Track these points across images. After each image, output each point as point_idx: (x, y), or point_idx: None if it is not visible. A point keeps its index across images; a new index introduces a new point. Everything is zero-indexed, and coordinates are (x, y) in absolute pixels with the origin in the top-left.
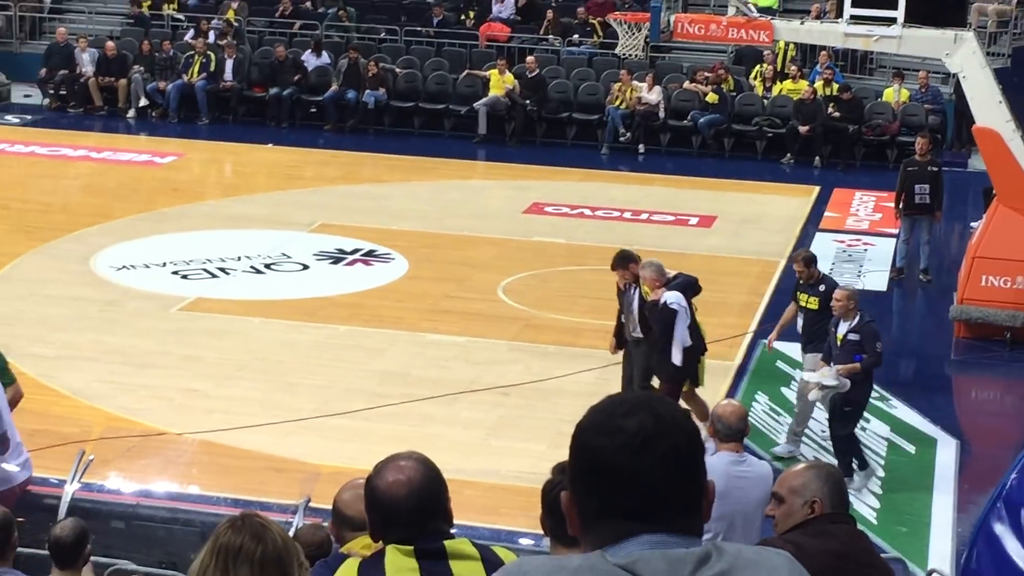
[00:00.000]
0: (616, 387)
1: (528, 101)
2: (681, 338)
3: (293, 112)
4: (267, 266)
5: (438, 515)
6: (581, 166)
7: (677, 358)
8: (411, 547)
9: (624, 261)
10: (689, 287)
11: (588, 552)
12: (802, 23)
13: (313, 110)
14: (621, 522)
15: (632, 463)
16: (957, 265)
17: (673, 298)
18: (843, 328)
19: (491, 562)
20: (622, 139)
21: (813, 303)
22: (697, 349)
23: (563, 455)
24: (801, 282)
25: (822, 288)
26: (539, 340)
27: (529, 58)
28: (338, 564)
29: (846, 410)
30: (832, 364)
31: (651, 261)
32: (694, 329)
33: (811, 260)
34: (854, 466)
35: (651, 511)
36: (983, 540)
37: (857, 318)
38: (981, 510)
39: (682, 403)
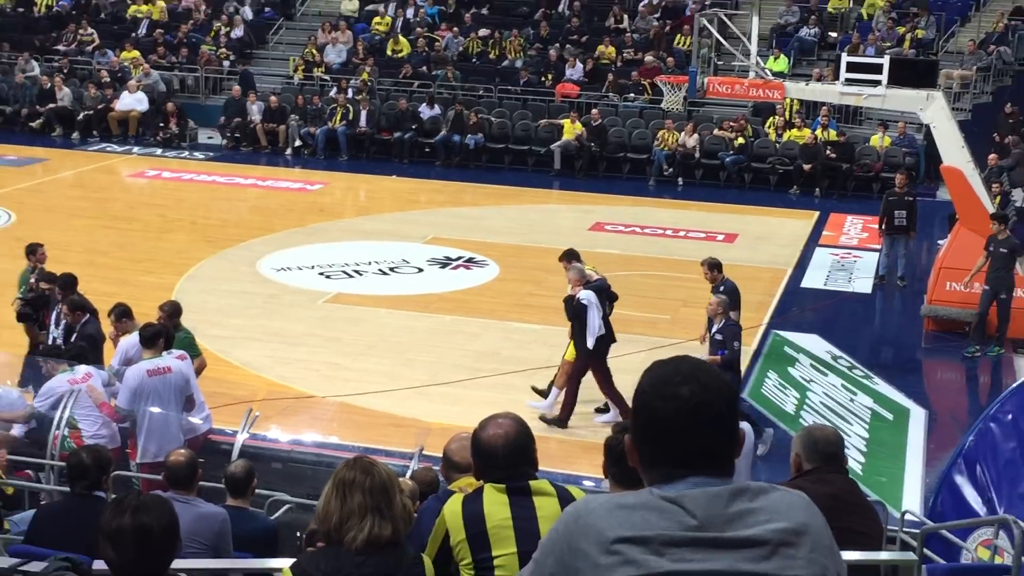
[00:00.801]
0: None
1: (592, 144)
2: (593, 327)
3: (412, 151)
4: (391, 269)
5: (527, 461)
6: (633, 194)
7: (589, 342)
8: (504, 485)
9: (568, 257)
10: (602, 290)
11: (643, 488)
12: (807, 84)
13: (427, 150)
14: (671, 467)
15: (683, 423)
16: (927, 274)
17: (585, 295)
18: (714, 328)
19: (564, 498)
20: (665, 174)
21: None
22: (608, 338)
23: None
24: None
25: (722, 289)
26: None
27: (594, 111)
28: (447, 498)
29: None
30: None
31: (576, 265)
32: (607, 323)
33: (715, 265)
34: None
35: (695, 459)
36: (946, 488)
37: (723, 321)
38: (944, 465)
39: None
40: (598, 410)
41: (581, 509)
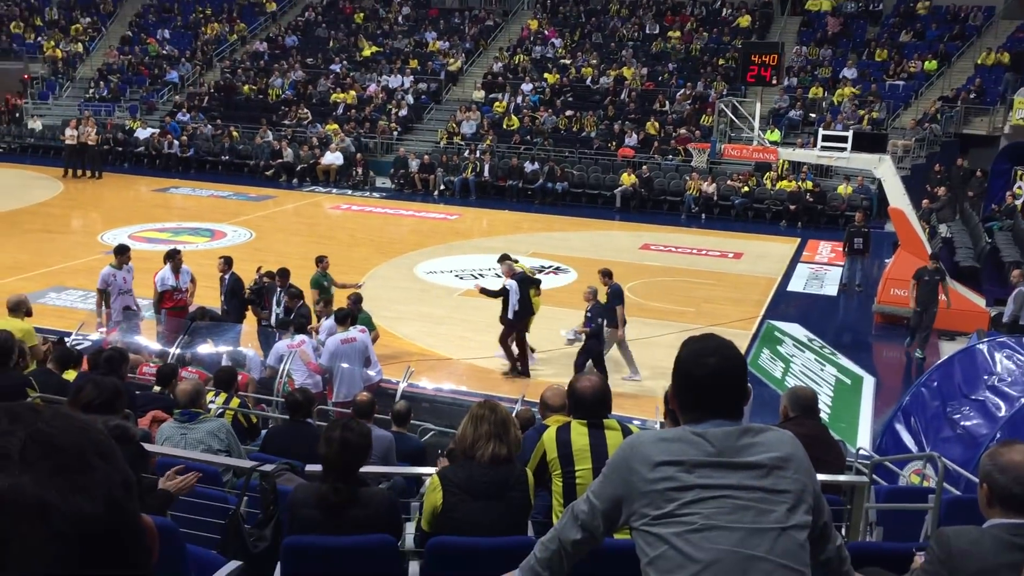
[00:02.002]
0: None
1: (643, 189)
2: (513, 306)
3: (519, 194)
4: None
5: (604, 406)
6: (670, 224)
7: (510, 315)
8: (585, 421)
9: (503, 259)
10: (524, 281)
11: (679, 427)
12: (793, 150)
13: (529, 192)
14: (699, 412)
15: (710, 383)
16: (877, 282)
17: (509, 283)
18: (587, 307)
19: (626, 431)
20: (692, 211)
21: (604, 298)
22: (523, 314)
23: (659, 381)
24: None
25: (607, 290)
26: (646, 316)
27: (644, 167)
28: (542, 430)
29: (582, 355)
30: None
31: (505, 260)
32: (524, 303)
33: (606, 273)
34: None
35: (717, 407)
36: (889, 433)
37: (593, 303)
38: (887, 416)
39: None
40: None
41: (635, 440)
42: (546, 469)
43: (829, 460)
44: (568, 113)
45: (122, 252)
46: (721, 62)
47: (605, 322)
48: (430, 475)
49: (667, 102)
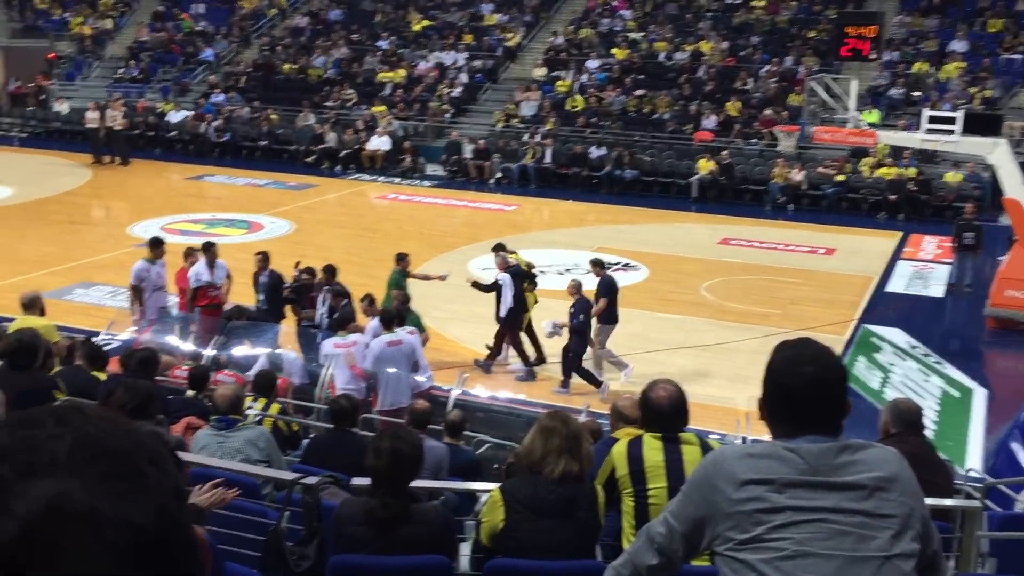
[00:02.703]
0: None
1: (722, 177)
2: (506, 302)
3: (584, 182)
4: (567, 270)
5: (681, 418)
6: (752, 217)
7: (503, 312)
8: (659, 434)
9: (497, 249)
10: (518, 275)
11: (769, 441)
12: (894, 133)
13: (595, 181)
14: (792, 426)
15: (804, 395)
16: (989, 282)
17: (502, 277)
18: (571, 302)
19: (705, 447)
20: (778, 201)
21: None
22: (518, 310)
23: (739, 391)
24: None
25: (598, 280)
26: (725, 319)
27: (723, 152)
28: (611, 442)
29: (568, 353)
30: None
31: (501, 254)
32: (518, 299)
33: (597, 263)
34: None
35: (812, 421)
36: (1003, 452)
37: (577, 298)
38: (1002, 434)
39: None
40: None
41: (719, 456)
42: (615, 487)
43: (936, 482)
44: (639, 93)
45: (157, 245)
46: (812, 35)
47: (594, 320)
48: (486, 491)
49: (750, 80)
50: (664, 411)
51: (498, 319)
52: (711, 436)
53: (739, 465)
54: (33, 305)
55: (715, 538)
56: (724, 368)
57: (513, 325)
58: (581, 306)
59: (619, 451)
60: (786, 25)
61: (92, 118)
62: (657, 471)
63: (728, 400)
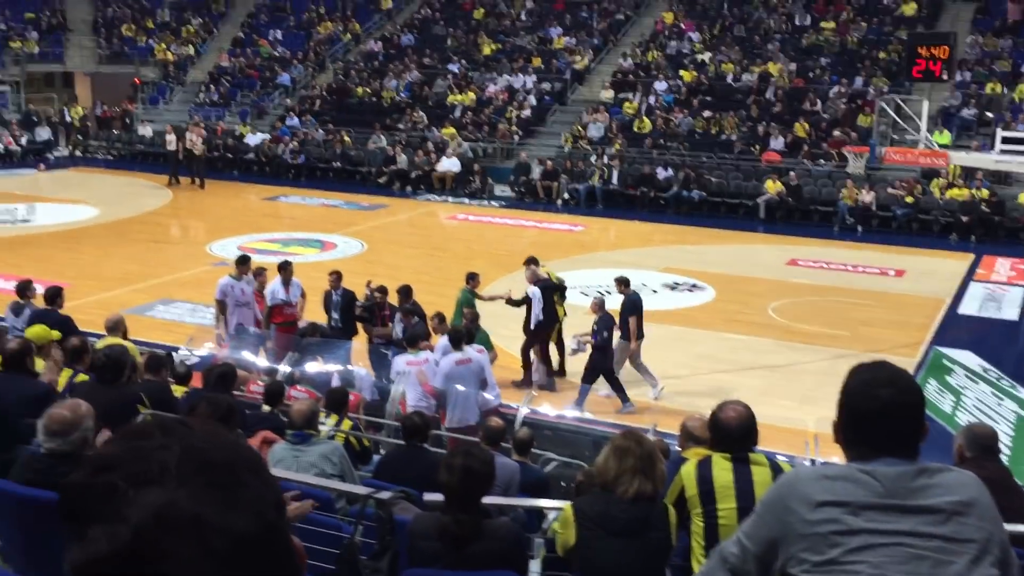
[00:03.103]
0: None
1: (790, 198)
2: (535, 315)
3: (650, 203)
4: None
5: (751, 439)
6: (821, 238)
7: (532, 325)
8: (729, 455)
9: (528, 262)
10: (548, 288)
11: (844, 463)
12: (967, 154)
13: (662, 202)
14: (868, 448)
15: (880, 418)
16: None
17: (531, 290)
18: (593, 319)
19: (775, 468)
20: (847, 222)
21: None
22: (548, 323)
23: (807, 412)
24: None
25: (623, 298)
26: (793, 340)
27: (791, 173)
28: (681, 463)
29: (589, 371)
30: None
31: (532, 268)
32: (548, 312)
33: (622, 281)
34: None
35: (888, 444)
36: None
37: (601, 314)
38: None
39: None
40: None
41: (793, 477)
42: (684, 506)
43: (1014, 508)
44: (706, 114)
45: (243, 263)
46: (882, 55)
47: (617, 336)
48: (554, 508)
49: (819, 101)
50: (733, 431)
51: (526, 331)
52: (779, 458)
53: (814, 486)
54: (116, 328)
55: (789, 559)
56: (792, 389)
57: (541, 336)
58: (605, 323)
59: (688, 471)
60: (856, 46)
61: (169, 140)
62: (727, 491)
63: (796, 422)
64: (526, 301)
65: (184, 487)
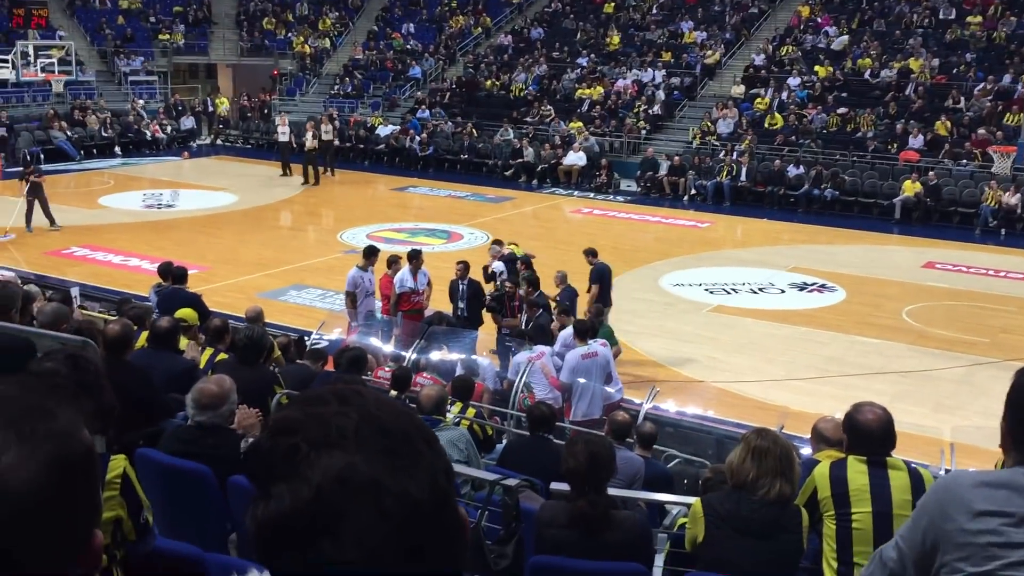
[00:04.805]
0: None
1: (928, 199)
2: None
3: (780, 201)
4: (760, 289)
5: (889, 442)
6: (961, 240)
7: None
8: (865, 458)
9: (493, 243)
10: (512, 262)
11: (1011, 466)
12: None
13: (792, 200)
14: None
15: None
16: None
17: (496, 265)
18: (557, 293)
19: (914, 474)
20: (990, 225)
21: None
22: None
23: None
24: None
25: (592, 268)
26: (927, 345)
27: (931, 172)
28: (813, 465)
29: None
30: None
31: (495, 244)
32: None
33: (590, 252)
34: None
35: None
36: None
37: (563, 288)
38: None
39: None
40: None
41: (951, 482)
42: (815, 508)
43: None
44: (841, 110)
45: (371, 254)
46: None
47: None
48: (677, 504)
49: (962, 98)
50: (874, 434)
51: (488, 308)
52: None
53: (973, 494)
54: (256, 320)
55: (943, 566)
56: (926, 396)
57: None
58: (567, 295)
59: (821, 472)
60: (1004, 41)
61: (282, 132)
62: (862, 495)
63: (930, 430)
64: (492, 277)
65: (362, 452)
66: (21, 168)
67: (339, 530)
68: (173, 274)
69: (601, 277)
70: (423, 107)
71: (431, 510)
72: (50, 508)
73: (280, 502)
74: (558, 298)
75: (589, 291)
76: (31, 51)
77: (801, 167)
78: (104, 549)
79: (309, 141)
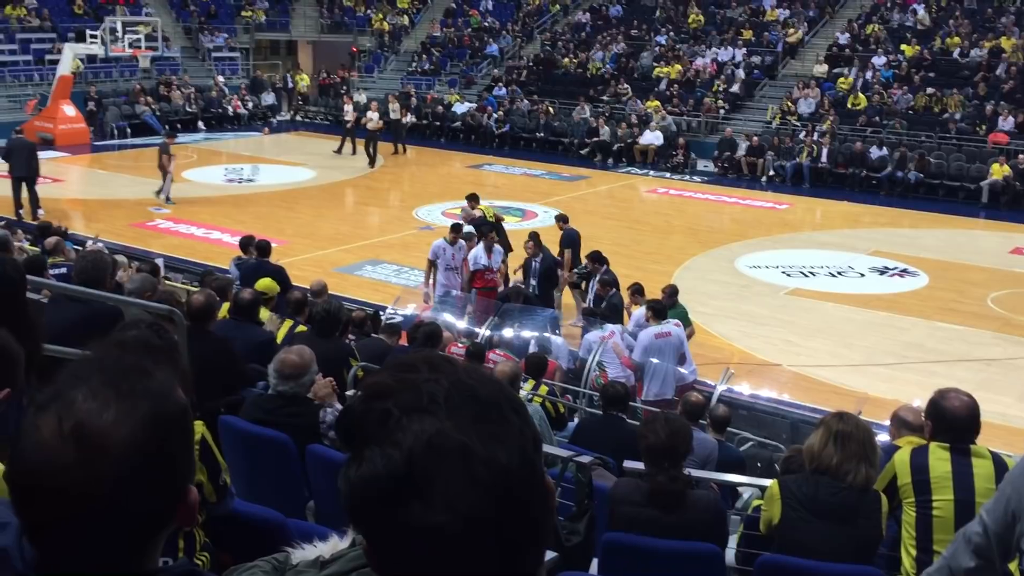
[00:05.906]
0: None
1: (1017, 183)
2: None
3: (861, 183)
4: (839, 273)
5: (975, 429)
6: None
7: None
8: (948, 445)
9: (468, 197)
10: (483, 225)
11: None
12: None
13: (874, 182)
14: None
15: None
16: None
17: (468, 229)
18: (535, 262)
19: (998, 462)
20: None
21: None
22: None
23: None
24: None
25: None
26: (1013, 333)
27: (1020, 156)
28: (892, 451)
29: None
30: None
31: (469, 200)
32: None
33: (561, 218)
34: None
35: None
36: None
37: (541, 255)
38: None
39: None
40: None
41: None
42: (894, 495)
43: None
44: (928, 91)
45: (457, 229)
46: None
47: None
48: (750, 487)
49: None
50: (961, 420)
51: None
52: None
53: None
54: (320, 294)
55: (1021, 536)
56: (1012, 385)
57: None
58: (548, 260)
59: (902, 459)
60: None
61: (347, 111)
62: (944, 482)
63: (1015, 419)
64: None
65: (452, 418)
66: (163, 140)
67: (429, 494)
68: (258, 247)
69: (572, 243)
70: (500, 84)
71: (520, 477)
72: (150, 463)
73: (372, 465)
74: (535, 261)
75: (561, 255)
76: (119, 27)
77: (884, 149)
78: None
79: (373, 122)
